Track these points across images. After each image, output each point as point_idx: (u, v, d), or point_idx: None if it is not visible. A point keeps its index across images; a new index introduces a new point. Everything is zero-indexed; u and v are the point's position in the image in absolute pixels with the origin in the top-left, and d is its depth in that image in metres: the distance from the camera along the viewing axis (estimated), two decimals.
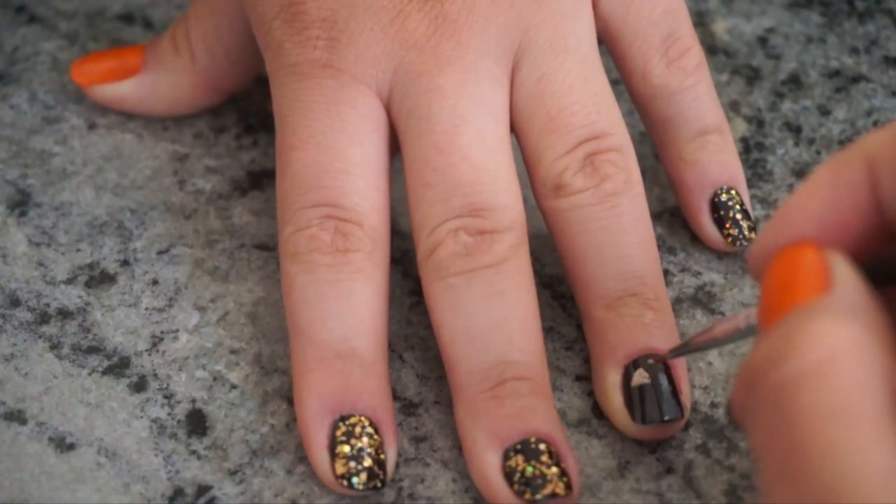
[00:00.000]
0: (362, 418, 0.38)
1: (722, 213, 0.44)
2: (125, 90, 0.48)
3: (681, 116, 0.44)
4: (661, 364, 0.39)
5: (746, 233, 0.44)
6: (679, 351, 0.38)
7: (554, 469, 0.37)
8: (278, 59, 0.42)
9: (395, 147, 0.42)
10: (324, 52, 0.41)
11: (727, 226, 0.44)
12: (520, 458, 0.37)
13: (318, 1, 0.41)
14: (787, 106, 0.50)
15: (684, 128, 0.44)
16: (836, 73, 0.51)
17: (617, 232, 0.40)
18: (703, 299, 0.44)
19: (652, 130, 0.45)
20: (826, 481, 0.25)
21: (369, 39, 0.41)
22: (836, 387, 0.26)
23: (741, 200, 0.44)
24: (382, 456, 0.38)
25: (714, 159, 0.44)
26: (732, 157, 0.45)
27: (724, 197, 0.44)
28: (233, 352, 0.42)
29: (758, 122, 0.49)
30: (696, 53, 0.44)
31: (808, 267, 0.29)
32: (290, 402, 0.41)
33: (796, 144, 0.49)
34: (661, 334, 0.40)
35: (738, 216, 0.44)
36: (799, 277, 0.29)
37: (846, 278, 0.29)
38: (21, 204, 0.46)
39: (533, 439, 0.37)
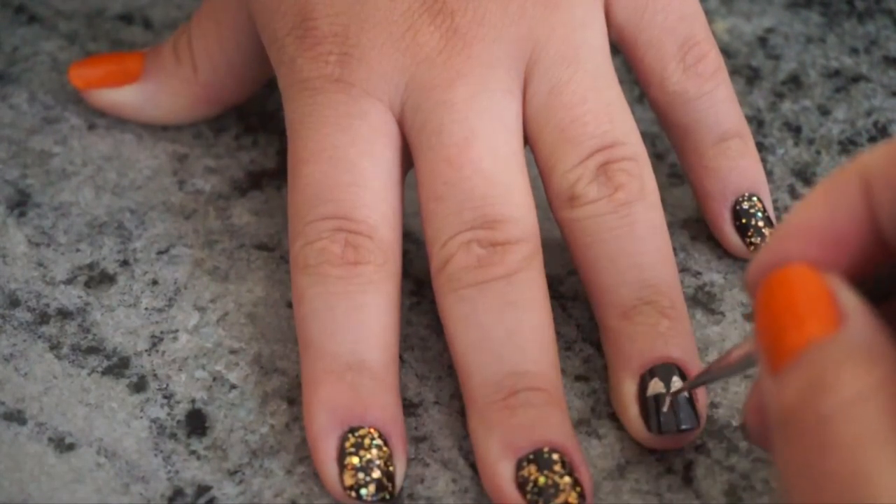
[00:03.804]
0: (371, 430, 0.38)
1: (744, 220, 0.44)
2: (123, 97, 0.48)
3: (700, 123, 0.44)
4: (677, 373, 0.39)
5: None
6: (696, 382, 0.38)
7: (567, 478, 0.37)
8: (291, 75, 0.42)
9: (408, 161, 0.42)
10: (336, 67, 0.41)
11: (749, 233, 0.44)
12: (532, 468, 0.37)
13: (330, 17, 0.41)
14: (786, 106, 0.50)
15: (704, 134, 0.44)
16: (836, 73, 0.51)
17: (631, 241, 0.40)
18: (703, 299, 0.44)
19: (672, 137, 0.45)
20: (859, 501, 0.27)
21: (381, 54, 0.41)
22: (869, 420, 0.28)
23: (763, 207, 0.44)
24: (391, 468, 0.38)
25: (735, 165, 0.44)
26: (754, 162, 0.45)
27: (745, 205, 0.44)
28: (232, 352, 0.42)
29: (758, 122, 0.49)
30: (714, 58, 0.44)
31: (811, 293, 0.30)
32: (289, 402, 0.41)
33: (796, 144, 0.49)
34: (676, 342, 0.40)
35: (761, 223, 0.44)
36: (803, 304, 0.30)
37: (856, 309, 0.29)
38: (21, 204, 0.46)
39: (546, 449, 0.37)
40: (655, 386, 0.39)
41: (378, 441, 0.38)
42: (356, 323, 0.39)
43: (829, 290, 0.30)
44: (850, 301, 0.29)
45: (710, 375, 0.37)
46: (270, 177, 0.48)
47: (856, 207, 0.31)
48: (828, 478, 0.28)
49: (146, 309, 0.43)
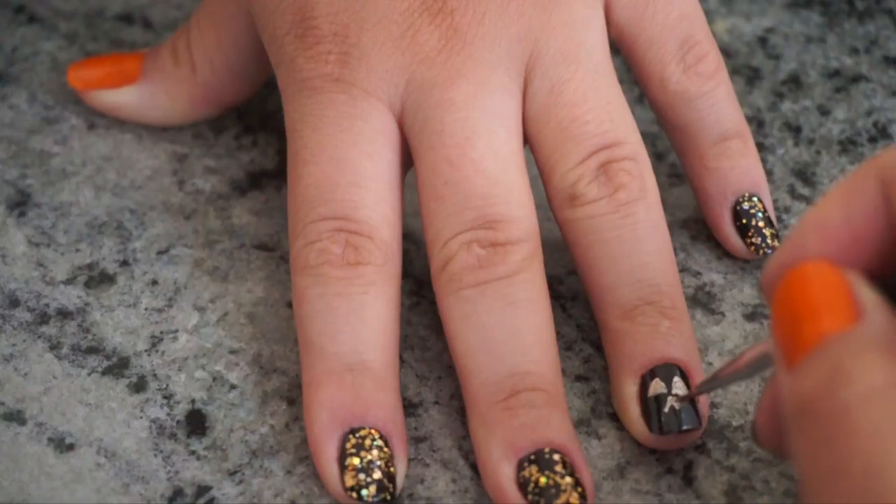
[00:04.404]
0: (372, 431, 0.38)
1: (744, 221, 0.44)
2: (122, 98, 0.48)
3: (700, 122, 0.44)
4: (678, 373, 0.39)
5: (769, 241, 0.44)
6: (705, 387, 0.38)
7: (568, 479, 0.37)
8: (290, 75, 0.41)
9: (408, 161, 0.42)
10: (335, 66, 0.41)
11: (749, 234, 0.44)
12: (534, 469, 0.37)
13: (329, 16, 0.41)
14: (786, 106, 0.50)
15: (704, 134, 0.44)
16: (835, 73, 0.51)
17: (632, 241, 0.40)
18: (703, 299, 0.44)
19: (672, 137, 0.45)
20: (876, 492, 0.27)
21: (381, 53, 0.41)
22: (887, 411, 0.28)
23: (763, 207, 0.44)
24: (392, 469, 0.38)
25: (735, 165, 0.44)
26: (754, 162, 0.45)
27: (746, 205, 0.44)
28: (232, 352, 0.42)
29: (758, 122, 0.49)
30: (714, 58, 0.44)
31: (829, 288, 0.30)
32: (289, 402, 0.41)
33: (796, 144, 0.49)
34: (677, 343, 0.40)
35: (761, 224, 0.44)
36: (821, 298, 0.30)
37: (874, 304, 0.30)
38: (20, 204, 0.46)
39: (547, 450, 0.37)
40: (656, 386, 0.39)
41: (379, 442, 0.38)
42: (357, 324, 0.39)
43: (847, 285, 0.30)
44: (869, 296, 0.30)
45: (720, 381, 0.36)
46: (270, 177, 0.48)
47: (873, 206, 0.31)
48: (844, 469, 0.28)
49: (146, 309, 0.43)
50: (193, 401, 0.41)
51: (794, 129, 0.49)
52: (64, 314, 0.43)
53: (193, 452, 0.40)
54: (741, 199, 0.44)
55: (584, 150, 0.41)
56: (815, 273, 0.30)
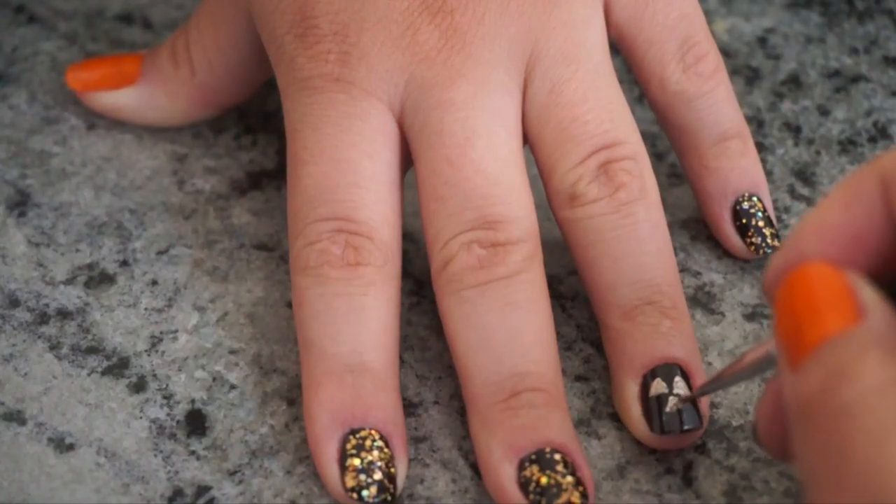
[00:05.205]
0: (372, 432, 0.38)
1: (744, 220, 0.44)
2: (121, 100, 0.48)
3: (700, 122, 0.44)
4: (679, 373, 0.39)
5: (769, 241, 0.44)
6: (708, 388, 0.38)
7: (569, 478, 0.37)
8: (290, 74, 0.41)
9: (408, 161, 0.42)
10: (335, 65, 0.41)
11: (749, 234, 0.44)
12: (535, 469, 0.37)
13: (329, 15, 0.41)
14: (786, 106, 0.50)
15: (704, 134, 0.44)
16: (835, 73, 0.51)
17: (632, 240, 0.40)
18: (703, 299, 0.44)
19: (671, 137, 0.45)
20: (877, 492, 0.27)
21: (381, 53, 0.41)
22: (890, 410, 0.28)
23: (763, 207, 0.44)
24: (392, 469, 0.38)
25: (735, 165, 0.44)
26: (754, 162, 0.45)
27: (745, 205, 0.44)
28: (232, 352, 0.42)
29: (757, 122, 0.49)
30: (713, 58, 0.44)
31: (831, 288, 0.30)
32: (289, 402, 0.41)
33: (796, 144, 0.49)
34: (678, 343, 0.40)
35: (761, 223, 0.44)
36: (823, 299, 0.30)
37: (875, 304, 0.30)
38: (20, 204, 0.46)
39: (548, 449, 0.37)
40: (657, 386, 0.39)
41: (379, 443, 0.38)
42: (357, 324, 0.39)
43: (848, 285, 0.30)
44: (870, 296, 0.30)
45: (722, 382, 0.36)
46: (270, 177, 0.48)
47: (874, 207, 0.31)
48: (848, 468, 0.28)
49: (146, 309, 0.43)
50: (193, 401, 0.41)
51: (794, 129, 0.49)
52: (64, 314, 0.43)
53: (193, 452, 0.40)
54: (741, 199, 0.44)
55: (584, 150, 0.41)
56: (816, 274, 0.30)
